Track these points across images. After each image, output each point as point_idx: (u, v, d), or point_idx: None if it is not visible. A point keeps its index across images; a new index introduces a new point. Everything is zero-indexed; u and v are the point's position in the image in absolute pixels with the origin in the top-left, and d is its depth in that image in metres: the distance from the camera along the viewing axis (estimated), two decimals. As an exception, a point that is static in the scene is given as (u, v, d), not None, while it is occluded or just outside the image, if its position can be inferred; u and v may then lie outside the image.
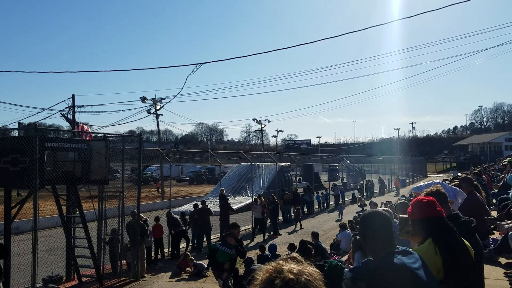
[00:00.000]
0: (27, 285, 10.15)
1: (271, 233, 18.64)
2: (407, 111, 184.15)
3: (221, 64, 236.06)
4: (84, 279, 11.44)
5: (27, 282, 10.14)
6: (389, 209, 7.21)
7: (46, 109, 54.83)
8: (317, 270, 1.43)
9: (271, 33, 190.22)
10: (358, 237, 6.46)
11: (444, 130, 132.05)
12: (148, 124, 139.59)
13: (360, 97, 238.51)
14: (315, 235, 12.51)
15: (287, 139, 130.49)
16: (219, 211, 17.33)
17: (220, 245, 9.22)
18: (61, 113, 31.98)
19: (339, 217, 23.24)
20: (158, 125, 44.23)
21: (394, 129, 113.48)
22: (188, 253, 13.59)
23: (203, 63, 15.04)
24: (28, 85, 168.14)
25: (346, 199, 30.33)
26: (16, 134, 11.62)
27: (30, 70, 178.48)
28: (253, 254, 12.69)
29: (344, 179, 43.29)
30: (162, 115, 45.63)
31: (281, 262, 1.44)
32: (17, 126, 27.84)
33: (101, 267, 11.56)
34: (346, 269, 3.91)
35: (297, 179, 36.80)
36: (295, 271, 1.37)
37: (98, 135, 14.08)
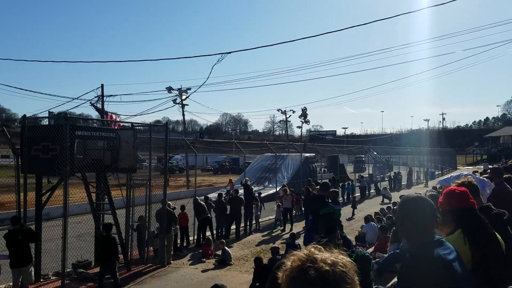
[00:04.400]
0: (57, 270, 10.49)
1: (303, 227, 16.88)
2: (437, 101, 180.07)
3: (246, 54, 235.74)
4: (112, 264, 11.71)
5: (57, 267, 10.47)
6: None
7: (75, 98, 55.18)
8: (350, 260, 1.34)
9: (297, 22, 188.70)
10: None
11: (475, 121, 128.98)
12: (174, 114, 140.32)
13: (388, 87, 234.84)
14: (339, 226, 12.38)
15: (312, 129, 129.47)
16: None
17: (334, 204, 9.12)
18: (90, 103, 32.58)
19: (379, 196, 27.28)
20: (183, 115, 44.59)
21: (424, 120, 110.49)
22: (210, 239, 13.73)
23: (228, 53, 14.81)
24: (58, 75, 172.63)
25: (372, 190, 29.94)
26: (46, 123, 11.89)
27: (59, 60, 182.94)
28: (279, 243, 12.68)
29: (370, 170, 42.75)
30: (187, 105, 45.92)
31: (313, 249, 1.36)
32: (47, 115, 28.45)
33: (129, 253, 11.84)
34: (372, 261, 3.87)
35: (322, 170, 36.48)
36: (329, 262, 1.29)
37: (126, 125, 14.28)
